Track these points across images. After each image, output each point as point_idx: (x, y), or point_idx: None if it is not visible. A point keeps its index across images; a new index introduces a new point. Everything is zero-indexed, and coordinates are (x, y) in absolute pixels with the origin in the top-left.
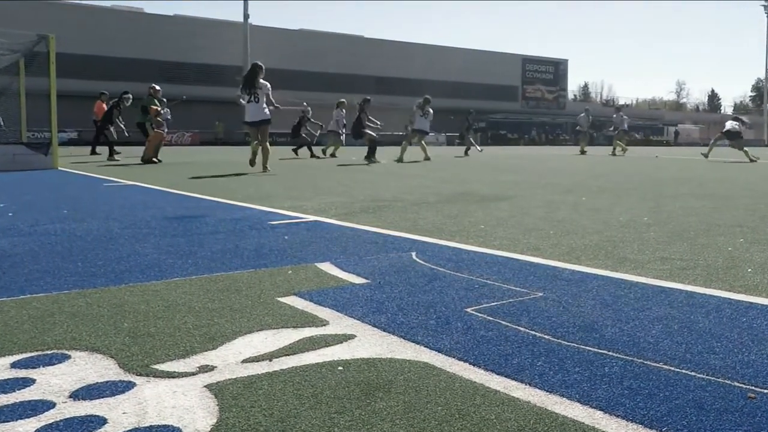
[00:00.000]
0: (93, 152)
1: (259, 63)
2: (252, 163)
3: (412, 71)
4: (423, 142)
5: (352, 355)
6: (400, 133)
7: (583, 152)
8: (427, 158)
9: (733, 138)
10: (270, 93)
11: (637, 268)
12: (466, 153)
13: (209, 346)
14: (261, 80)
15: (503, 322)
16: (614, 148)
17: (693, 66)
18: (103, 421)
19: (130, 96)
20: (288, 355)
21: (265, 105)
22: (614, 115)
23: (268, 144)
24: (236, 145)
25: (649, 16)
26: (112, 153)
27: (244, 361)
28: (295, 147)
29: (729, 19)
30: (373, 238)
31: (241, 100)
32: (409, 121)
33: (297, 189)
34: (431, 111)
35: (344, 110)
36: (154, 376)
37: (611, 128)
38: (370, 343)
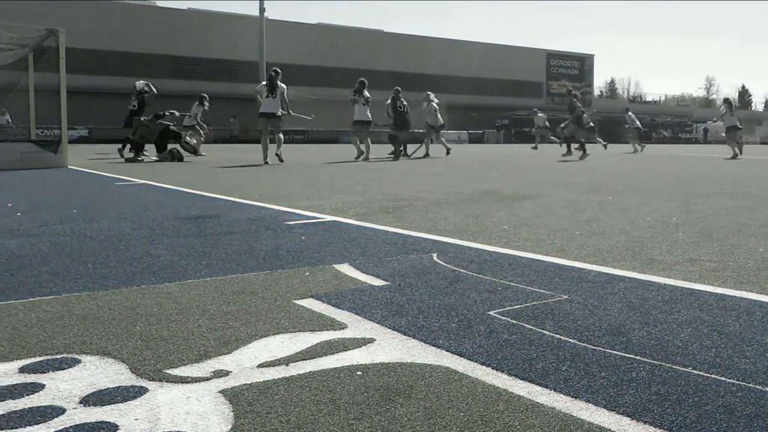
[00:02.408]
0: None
1: (277, 69)
2: (265, 159)
3: (432, 66)
4: (368, 140)
5: (371, 359)
6: (421, 131)
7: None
8: (365, 158)
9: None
10: (285, 93)
11: (665, 269)
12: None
13: (224, 350)
14: (279, 83)
15: (527, 326)
16: (640, 147)
17: (723, 61)
18: (114, 428)
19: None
20: (305, 359)
21: (280, 102)
22: (626, 114)
23: (281, 135)
24: (253, 143)
25: (678, 9)
26: (123, 151)
27: (260, 365)
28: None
29: (760, 13)
30: (392, 238)
31: (258, 96)
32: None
33: (314, 188)
34: (368, 95)
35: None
36: (167, 381)
37: (626, 126)
38: (389, 347)
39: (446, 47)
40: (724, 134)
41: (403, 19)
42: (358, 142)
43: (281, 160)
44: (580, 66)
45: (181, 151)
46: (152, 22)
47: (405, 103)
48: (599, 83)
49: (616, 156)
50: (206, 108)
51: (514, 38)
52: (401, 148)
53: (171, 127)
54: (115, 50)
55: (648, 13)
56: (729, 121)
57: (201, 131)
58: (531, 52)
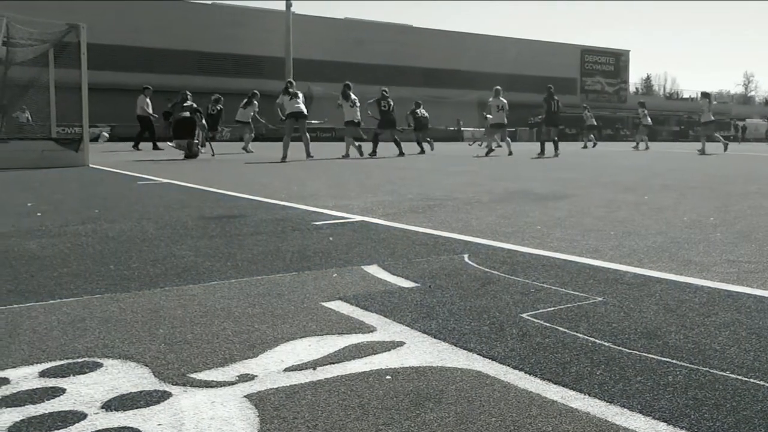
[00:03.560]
0: (136, 147)
1: (291, 80)
2: (284, 158)
3: (463, 63)
4: (352, 139)
5: (400, 363)
6: (451, 128)
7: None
8: (345, 155)
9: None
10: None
11: (702, 271)
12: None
13: (249, 353)
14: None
15: (561, 329)
16: (637, 143)
17: (762, 57)
18: None
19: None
20: (333, 363)
21: (304, 104)
22: (639, 110)
23: (307, 135)
24: (279, 141)
25: (715, 3)
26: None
27: (287, 369)
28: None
29: None
30: (423, 239)
31: (279, 101)
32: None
33: (342, 187)
34: (354, 97)
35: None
36: (191, 386)
37: (637, 120)
38: (419, 350)
39: (478, 43)
40: (699, 128)
41: (433, 15)
42: (353, 142)
43: (310, 156)
44: (615, 62)
45: (200, 148)
46: (177, 17)
47: (391, 102)
48: (635, 80)
49: (652, 155)
50: (257, 105)
51: (548, 33)
52: (400, 147)
53: (198, 122)
54: (139, 46)
55: (684, 8)
56: (707, 117)
57: (252, 128)
58: (565, 47)
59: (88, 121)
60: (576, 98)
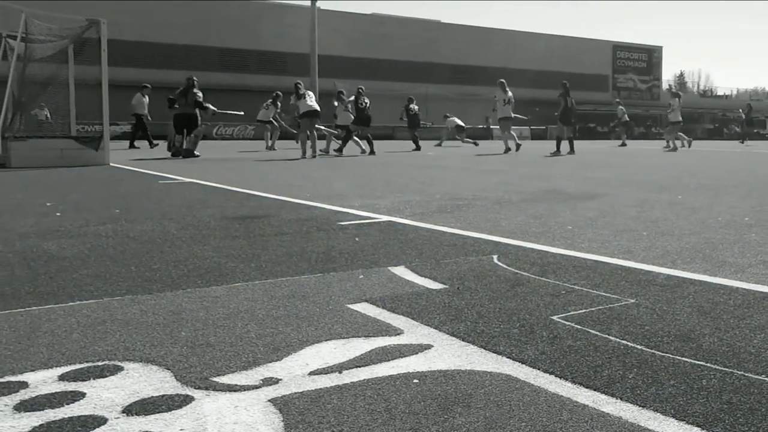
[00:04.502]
0: (132, 146)
1: (299, 81)
2: (303, 155)
3: (492, 59)
4: (355, 137)
5: (428, 366)
6: (480, 126)
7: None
8: (367, 151)
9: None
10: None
11: (737, 272)
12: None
13: (273, 356)
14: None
15: (592, 331)
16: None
17: None
18: None
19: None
20: (359, 366)
21: (315, 99)
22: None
23: (315, 133)
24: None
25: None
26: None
27: (312, 373)
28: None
29: None
30: (451, 239)
31: (293, 103)
32: (333, 115)
33: (369, 186)
34: (346, 99)
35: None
36: (213, 390)
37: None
38: (447, 353)
39: (507, 39)
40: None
41: (461, 11)
42: (337, 139)
43: (314, 156)
44: (648, 58)
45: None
46: (198, 12)
47: (367, 101)
48: (668, 76)
49: (688, 153)
50: (279, 107)
51: (579, 29)
52: (363, 143)
53: (208, 113)
54: (160, 42)
55: (719, 3)
56: (675, 117)
57: (278, 127)
58: (596, 43)
59: (108, 119)
60: (608, 95)
